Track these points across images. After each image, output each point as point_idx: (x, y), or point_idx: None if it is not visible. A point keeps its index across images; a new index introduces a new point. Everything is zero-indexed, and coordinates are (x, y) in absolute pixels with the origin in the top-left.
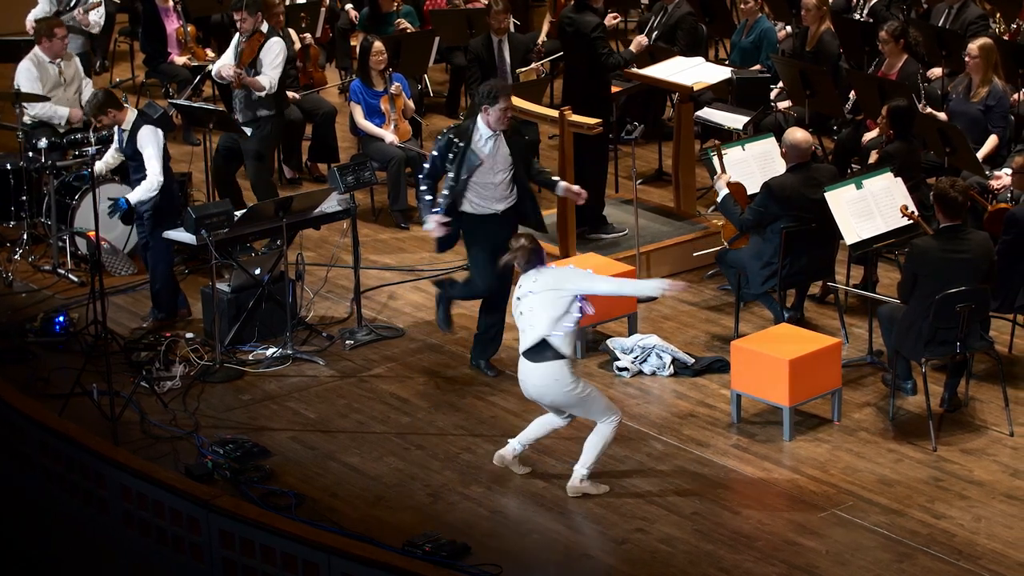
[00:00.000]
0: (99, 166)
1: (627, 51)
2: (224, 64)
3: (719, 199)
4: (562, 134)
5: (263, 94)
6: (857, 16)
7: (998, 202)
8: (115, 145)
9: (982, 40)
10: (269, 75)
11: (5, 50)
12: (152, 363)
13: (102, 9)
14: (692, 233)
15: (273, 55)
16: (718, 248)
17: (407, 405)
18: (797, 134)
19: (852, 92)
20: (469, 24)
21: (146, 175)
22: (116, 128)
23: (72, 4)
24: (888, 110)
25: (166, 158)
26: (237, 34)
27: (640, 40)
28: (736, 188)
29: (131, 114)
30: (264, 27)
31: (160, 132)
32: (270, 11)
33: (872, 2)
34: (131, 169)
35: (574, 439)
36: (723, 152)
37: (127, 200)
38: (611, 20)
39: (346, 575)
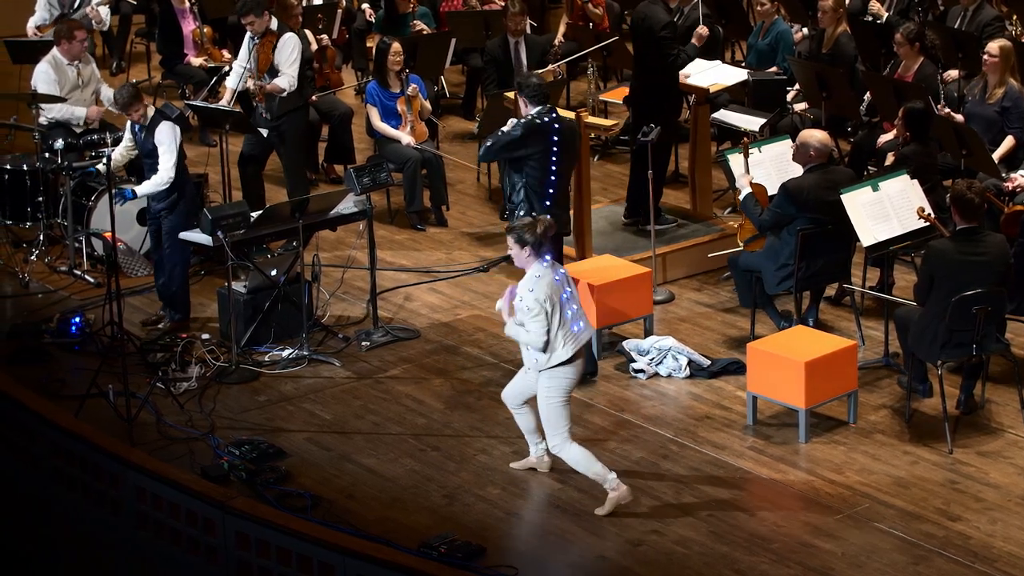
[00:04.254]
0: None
1: (690, 46)
2: (229, 89)
3: (741, 198)
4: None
5: (285, 94)
6: (870, 18)
7: (1015, 204)
8: (126, 142)
9: (1002, 41)
10: (287, 74)
11: (23, 51)
12: (168, 364)
13: (109, 6)
14: (708, 235)
15: (288, 52)
16: (733, 251)
17: (423, 406)
18: (816, 134)
19: (867, 93)
20: (486, 26)
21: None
22: (131, 124)
23: (75, 6)
24: (904, 112)
25: (182, 158)
26: (248, 35)
27: (700, 32)
28: (757, 189)
29: (149, 111)
30: (274, 24)
31: (178, 129)
32: (287, 12)
33: (885, 17)
34: (146, 167)
35: (590, 441)
36: (749, 152)
37: (134, 191)
38: None
39: None
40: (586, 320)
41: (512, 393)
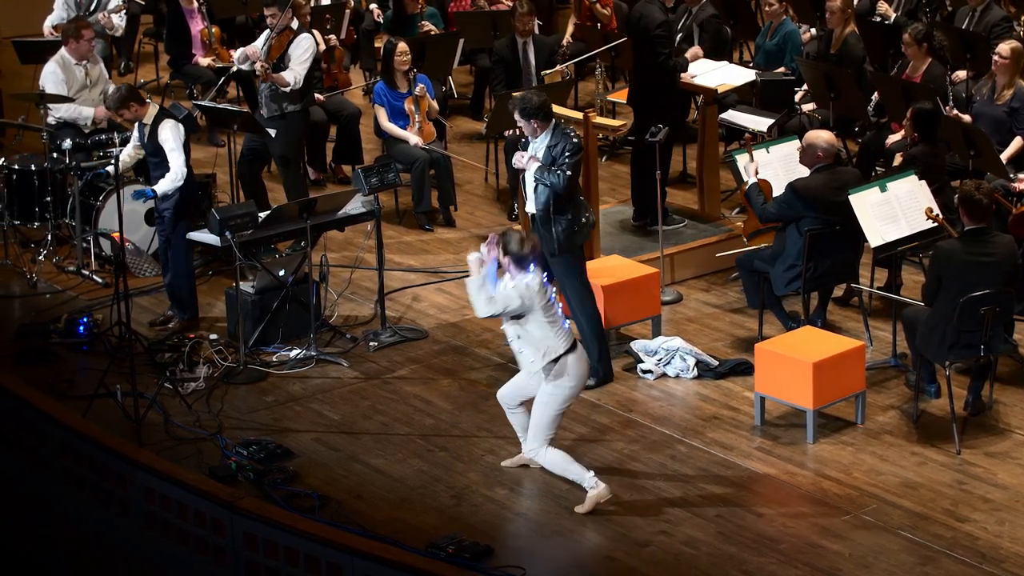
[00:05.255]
0: (120, 161)
1: (683, 58)
2: (251, 47)
3: (747, 187)
4: (586, 136)
5: (288, 89)
6: (878, 19)
7: (1023, 205)
8: (134, 142)
9: (1013, 43)
10: (295, 70)
11: (31, 51)
12: (176, 364)
13: (124, 13)
14: (716, 235)
15: (301, 50)
16: (741, 251)
17: (431, 407)
18: (823, 135)
19: (875, 94)
20: (494, 26)
21: (168, 170)
22: (137, 124)
23: (92, 8)
24: (912, 113)
25: (187, 156)
26: (268, 30)
27: (696, 51)
28: (763, 185)
29: (152, 109)
30: (295, 24)
31: (181, 127)
32: (297, 11)
33: (893, 17)
34: (151, 166)
35: (598, 441)
36: (753, 150)
37: (153, 190)
38: None
39: None
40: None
41: (509, 393)
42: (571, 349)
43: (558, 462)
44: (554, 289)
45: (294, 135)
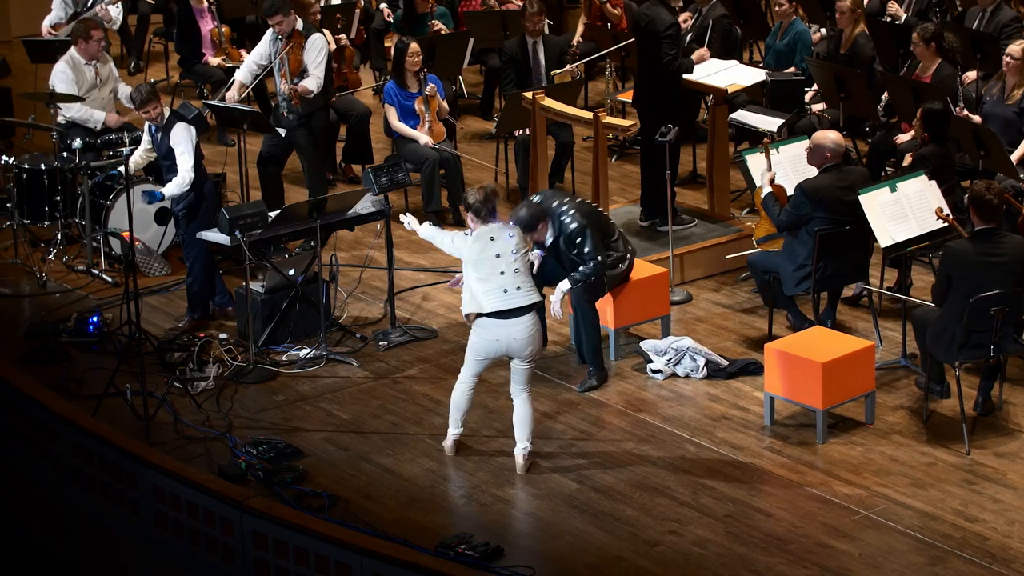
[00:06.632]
0: (130, 163)
1: (688, 60)
2: (229, 95)
3: (763, 196)
4: (596, 136)
5: (312, 95)
6: (888, 19)
7: None
8: (145, 144)
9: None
10: (315, 75)
11: (41, 51)
12: (186, 364)
13: (119, 4)
14: (726, 235)
15: (316, 52)
16: (751, 252)
17: (440, 406)
18: (831, 135)
19: (885, 94)
20: (503, 26)
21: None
22: (149, 126)
23: (89, 4)
24: (922, 113)
25: (199, 157)
26: (269, 31)
27: (702, 53)
28: (778, 190)
29: (165, 112)
30: (300, 24)
31: (193, 130)
32: (305, 11)
33: (903, 18)
34: (164, 168)
35: (607, 440)
36: (771, 154)
37: (162, 193)
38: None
39: None
40: (527, 287)
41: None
42: (497, 315)
43: (452, 399)
44: (519, 256)
45: (317, 134)
